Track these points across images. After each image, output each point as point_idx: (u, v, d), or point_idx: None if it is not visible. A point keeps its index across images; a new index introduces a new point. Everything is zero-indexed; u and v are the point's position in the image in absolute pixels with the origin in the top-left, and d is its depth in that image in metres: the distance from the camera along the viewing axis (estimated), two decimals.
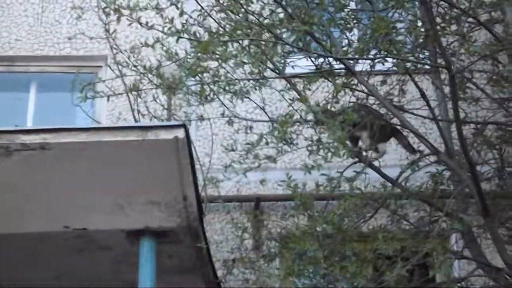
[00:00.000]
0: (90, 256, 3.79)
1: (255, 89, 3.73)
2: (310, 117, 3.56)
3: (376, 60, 3.87)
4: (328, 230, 3.47)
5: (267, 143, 3.51)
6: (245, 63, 3.43)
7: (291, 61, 4.00)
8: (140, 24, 3.70)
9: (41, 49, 5.56)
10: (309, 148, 3.48)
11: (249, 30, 3.46)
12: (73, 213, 3.47)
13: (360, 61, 3.94)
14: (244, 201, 5.06)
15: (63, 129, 3.21)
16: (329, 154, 3.36)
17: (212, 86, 3.68)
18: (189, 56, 3.67)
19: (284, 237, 4.28)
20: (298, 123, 3.63)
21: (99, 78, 4.34)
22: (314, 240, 3.36)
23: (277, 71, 3.81)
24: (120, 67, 4.15)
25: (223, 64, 3.57)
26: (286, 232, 4.21)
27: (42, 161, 3.21)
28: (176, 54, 3.78)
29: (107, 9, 3.80)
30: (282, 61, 3.89)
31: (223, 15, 3.64)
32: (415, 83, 4.14)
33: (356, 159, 3.87)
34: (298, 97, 3.78)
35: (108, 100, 4.07)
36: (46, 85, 5.64)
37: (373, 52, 3.90)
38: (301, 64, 4.03)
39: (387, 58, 3.80)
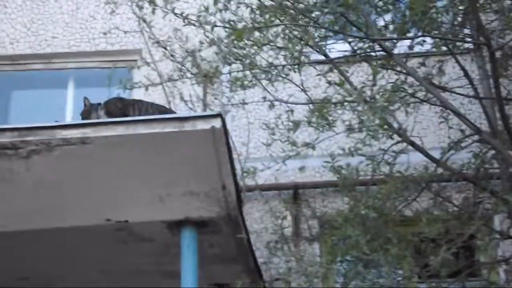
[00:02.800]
0: (133, 248, 3.82)
1: (294, 71, 3.69)
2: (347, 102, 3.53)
3: (415, 41, 3.80)
4: (370, 214, 3.43)
5: (308, 123, 3.47)
6: (281, 48, 3.41)
7: (327, 45, 3.96)
8: (175, 14, 3.71)
9: (77, 45, 5.62)
10: (348, 131, 3.43)
11: (283, 17, 3.42)
12: (114, 206, 3.50)
13: (398, 44, 3.87)
14: (282, 189, 5.05)
15: (101, 123, 3.25)
16: (368, 138, 3.32)
17: (250, 72, 3.65)
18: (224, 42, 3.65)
19: (324, 223, 4.26)
20: (335, 106, 3.58)
21: (137, 66, 4.35)
22: (356, 225, 3.33)
23: (317, 50, 3.74)
24: (155, 58, 4.17)
25: (258, 50, 3.54)
26: (327, 218, 4.19)
27: (82, 155, 3.24)
28: (218, 39, 3.74)
29: (141, 2, 3.81)
30: (321, 43, 3.84)
31: (255, 1, 3.61)
32: (457, 61, 4.05)
33: (398, 140, 3.81)
34: (336, 81, 3.74)
35: (146, 89, 4.09)
36: (83, 80, 5.70)
37: (410, 33, 3.83)
38: (338, 47, 3.99)
39: (425, 39, 3.73)
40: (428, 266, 3.36)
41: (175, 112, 4.25)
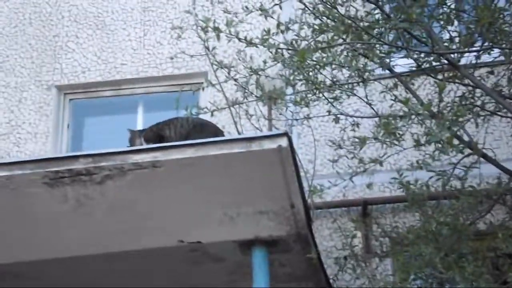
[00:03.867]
0: (205, 268, 3.87)
1: (360, 85, 3.67)
2: (414, 116, 3.48)
3: (481, 52, 3.72)
4: (442, 230, 3.36)
5: (374, 139, 3.44)
6: (343, 67, 3.41)
7: (390, 61, 3.94)
8: (239, 39, 3.77)
9: (145, 71, 5.78)
10: (416, 145, 3.38)
11: (344, 35, 3.43)
12: (186, 227, 3.56)
13: (464, 54, 3.81)
14: (351, 206, 5.01)
15: (171, 146, 3.31)
16: (437, 152, 3.27)
17: (314, 91, 3.67)
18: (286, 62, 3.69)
19: (395, 239, 4.19)
20: (401, 119, 3.55)
21: (202, 88, 4.44)
22: (428, 242, 3.27)
23: (381, 66, 3.73)
24: (220, 81, 4.25)
25: (321, 70, 3.55)
26: (397, 234, 4.13)
27: (153, 178, 3.31)
28: (282, 54, 3.78)
29: (205, 27, 3.90)
30: (385, 59, 3.82)
31: (317, 21, 3.63)
32: None
33: (468, 152, 3.73)
34: (402, 95, 3.70)
35: (212, 115, 4.17)
36: (152, 105, 5.85)
37: (477, 44, 3.76)
38: (401, 63, 3.96)
39: (493, 49, 3.65)
40: (506, 283, 3.25)
41: (211, 123, 4.33)
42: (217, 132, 4.38)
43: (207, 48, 4.24)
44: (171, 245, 3.60)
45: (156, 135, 4.10)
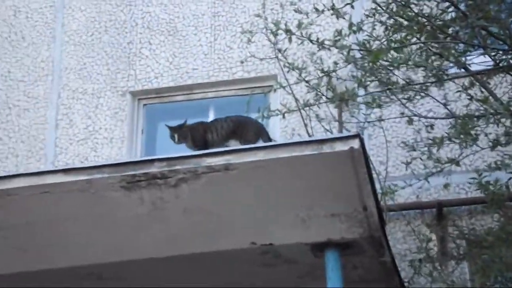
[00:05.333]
0: (277, 270, 3.87)
1: (435, 86, 3.60)
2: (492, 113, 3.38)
3: None
4: None
5: (449, 139, 3.36)
6: (418, 66, 3.35)
7: (468, 59, 3.84)
8: (311, 41, 3.75)
9: (216, 75, 5.86)
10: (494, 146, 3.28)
11: (418, 34, 3.37)
12: (258, 229, 3.58)
13: None
14: (425, 208, 4.91)
15: (243, 149, 3.35)
16: None
17: (387, 92, 3.62)
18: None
19: (473, 242, 4.09)
20: (477, 120, 3.45)
21: (274, 89, 4.49)
22: (509, 244, 3.16)
23: (457, 65, 3.64)
24: (290, 83, 4.26)
25: (395, 70, 3.50)
26: (475, 237, 4.02)
27: (226, 181, 3.35)
28: (354, 56, 3.75)
29: (276, 30, 3.91)
30: (461, 58, 3.73)
31: (390, 21, 3.58)
32: None
33: None
34: (478, 94, 3.60)
35: (283, 117, 4.19)
36: (222, 108, 5.91)
37: None
38: (477, 61, 3.85)
39: None
40: None
41: (252, 120, 4.40)
42: (259, 128, 4.45)
43: (279, 50, 4.26)
44: (243, 247, 3.62)
45: (202, 136, 4.23)
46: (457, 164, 3.31)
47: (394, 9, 3.50)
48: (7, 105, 6.16)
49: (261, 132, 4.44)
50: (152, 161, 3.37)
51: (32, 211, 3.50)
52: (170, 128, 4.56)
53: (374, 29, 3.63)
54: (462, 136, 3.29)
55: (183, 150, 4.53)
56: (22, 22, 6.40)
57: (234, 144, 4.36)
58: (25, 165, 5.90)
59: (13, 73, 6.25)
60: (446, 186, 3.74)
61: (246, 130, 4.40)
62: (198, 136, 4.38)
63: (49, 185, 3.36)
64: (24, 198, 3.41)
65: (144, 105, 6.08)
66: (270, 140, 4.47)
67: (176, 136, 4.42)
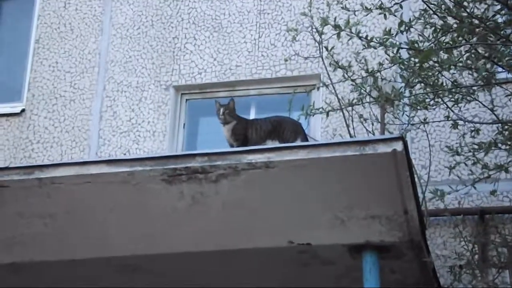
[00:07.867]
0: (314, 270, 3.86)
1: (484, 90, 3.51)
2: None
3: None
4: None
5: (495, 145, 3.28)
6: (469, 68, 3.27)
7: None
8: (360, 38, 3.70)
9: (259, 72, 5.86)
10: None
11: (468, 36, 3.29)
12: (296, 228, 3.57)
13: None
14: (467, 214, 4.82)
15: (285, 147, 3.34)
16: None
17: (433, 94, 3.55)
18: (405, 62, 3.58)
19: None
20: None
21: (317, 87, 4.47)
22: None
23: (507, 69, 3.56)
24: (333, 81, 4.22)
25: (443, 71, 3.43)
26: None
27: (266, 178, 3.35)
28: (400, 56, 3.69)
29: (321, 28, 3.87)
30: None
31: (440, 21, 3.51)
32: None
33: None
34: None
35: (327, 115, 4.15)
36: (264, 106, 5.91)
37: None
38: None
39: None
40: None
41: (290, 119, 4.41)
42: (296, 127, 4.43)
43: (325, 48, 4.22)
44: (281, 245, 3.62)
45: (244, 131, 4.32)
46: (506, 171, 3.23)
47: (446, 9, 3.41)
48: (54, 95, 6.28)
49: (299, 131, 4.42)
50: (194, 155, 3.39)
51: (74, 200, 3.55)
52: (219, 104, 4.55)
53: (425, 28, 3.56)
54: (509, 142, 3.21)
55: (224, 146, 4.53)
56: (71, 14, 6.51)
57: (272, 144, 4.37)
58: (69, 155, 6.01)
59: (61, 64, 6.36)
60: (493, 192, 3.65)
61: (284, 129, 4.40)
62: (240, 129, 4.40)
63: (92, 176, 3.41)
64: (67, 187, 3.46)
65: (187, 100, 6.12)
66: (307, 139, 4.45)
67: (222, 110, 4.45)
